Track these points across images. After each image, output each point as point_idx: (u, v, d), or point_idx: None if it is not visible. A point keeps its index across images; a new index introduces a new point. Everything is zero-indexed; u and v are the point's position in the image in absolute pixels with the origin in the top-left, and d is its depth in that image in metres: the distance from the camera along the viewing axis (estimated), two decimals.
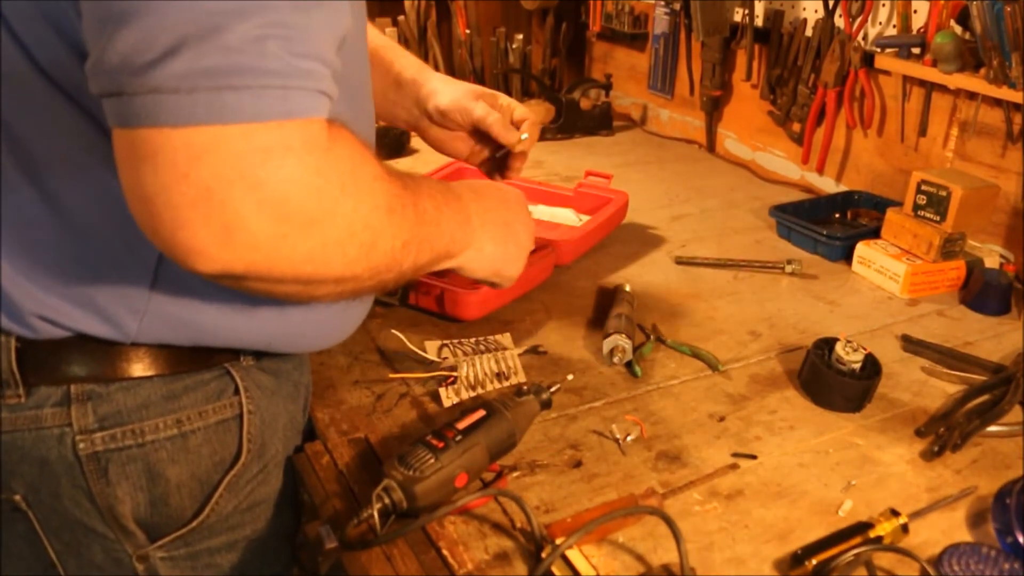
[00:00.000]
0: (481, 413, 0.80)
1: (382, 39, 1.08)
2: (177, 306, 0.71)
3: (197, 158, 0.51)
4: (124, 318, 0.70)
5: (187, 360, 0.75)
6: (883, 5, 1.43)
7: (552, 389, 0.88)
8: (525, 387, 0.86)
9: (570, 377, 0.96)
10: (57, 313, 0.68)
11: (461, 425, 0.78)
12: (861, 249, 1.28)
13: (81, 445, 0.71)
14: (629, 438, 0.88)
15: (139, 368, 0.73)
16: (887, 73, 1.44)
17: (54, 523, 0.75)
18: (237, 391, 0.78)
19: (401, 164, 1.74)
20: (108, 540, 0.76)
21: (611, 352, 1.01)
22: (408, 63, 1.07)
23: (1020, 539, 0.72)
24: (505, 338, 1.03)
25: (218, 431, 0.77)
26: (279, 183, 0.53)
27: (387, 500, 0.73)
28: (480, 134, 1.07)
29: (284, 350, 0.81)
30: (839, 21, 1.49)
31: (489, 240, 0.83)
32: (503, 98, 1.08)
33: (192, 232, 0.53)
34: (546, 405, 0.86)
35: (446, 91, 1.05)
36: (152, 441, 0.74)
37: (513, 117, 1.06)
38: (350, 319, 0.86)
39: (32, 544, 0.75)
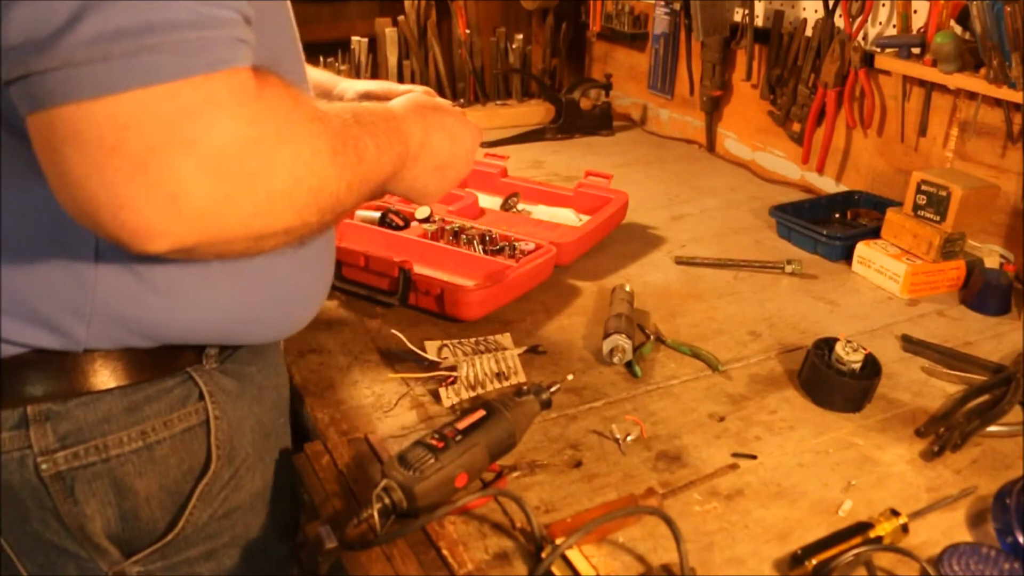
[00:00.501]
0: (481, 413, 0.80)
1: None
2: (122, 303, 0.67)
3: (124, 128, 0.48)
4: (71, 325, 0.67)
5: (147, 367, 0.72)
6: (883, 5, 1.43)
7: (552, 389, 0.88)
8: (525, 387, 0.86)
9: (570, 377, 0.96)
10: (2, 330, 0.66)
11: (461, 425, 0.78)
12: (861, 249, 1.28)
13: (44, 466, 0.69)
14: (629, 438, 0.88)
15: (97, 381, 0.70)
16: (887, 73, 1.44)
17: (26, 546, 0.73)
18: (202, 396, 0.76)
19: None
20: (82, 559, 0.74)
21: (611, 352, 1.01)
22: (314, 70, 1.08)
23: (1020, 539, 0.72)
24: (505, 338, 1.03)
25: (185, 439, 0.75)
26: (215, 140, 0.51)
27: (387, 500, 0.73)
28: None
29: (244, 340, 0.79)
30: (839, 21, 1.49)
31: (415, 178, 0.80)
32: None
33: (135, 210, 0.50)
34: (546, 405, 0.86)
35: (363, 82, 1.08)
36: (117, 456, 0.71)
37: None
38: (310, 301, 0.84)
39: (7, 568, 0.74)
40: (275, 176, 0.56)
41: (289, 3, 0.76)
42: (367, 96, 1.09)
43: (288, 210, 0.58)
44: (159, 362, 0.73)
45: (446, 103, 0.87)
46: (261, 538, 0.85)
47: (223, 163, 0.52)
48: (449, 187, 0.86)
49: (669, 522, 0.72)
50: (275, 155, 0.55)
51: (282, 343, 0.92)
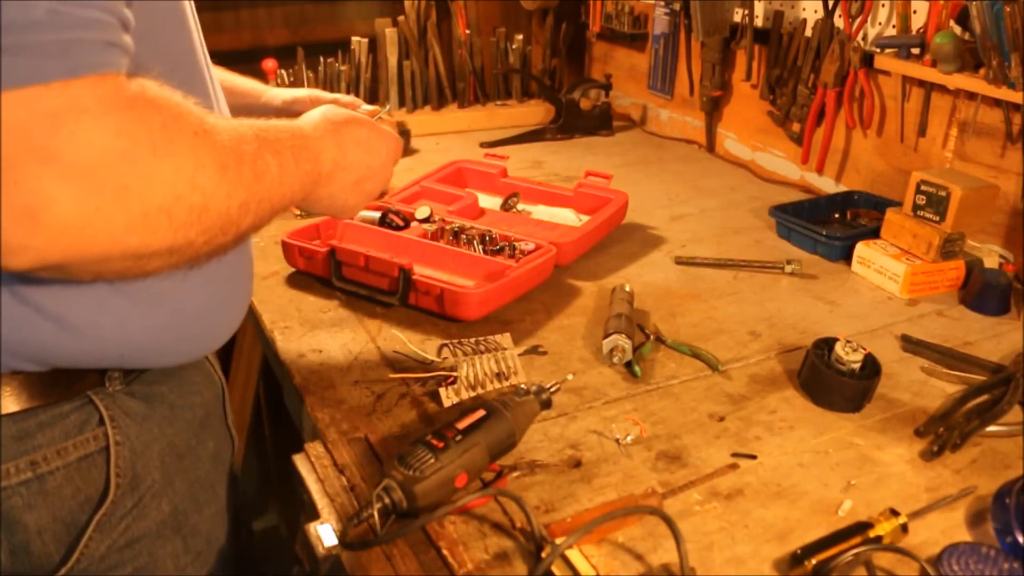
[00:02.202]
0: (481, 413, 0.80)
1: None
2: (7, 325, 0.63)
3: None
4: None
5: (40, 393, 0.68)
6: (883, 5, 1.43)
7: (552, 389, 0.88)
8: (525, 387, 0.86)
9: (570, 377, 0.96)
10: None
11: (461, 425, 0.78)
12: (861, 249, 1.28)
13: None
14: (629, 438, 0.88)
15: None
16: (887, 73, 1.44)
17: None
18: (102, 421, 0.71)
19: (401, 164, 1.73)
20: None
21: (611, 352, 1.01)
22: (237, 78, 1.08)
23: (1019, 539, 0.72)
24: (505, 338, 1.03)
25: (81, 468, 0.70)
26: (78, 151, 0.48)
27: (387, 500, 0.73)
28: None
29: (146, 365, 0.75)
30: (839, 21, 1.49)
31: (332, 196, 0.78)
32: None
33: None
34: (546, 405, 0.86)
35: (293, 90, 1.09)
36: (4, 488, 0.67)
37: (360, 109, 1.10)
38: (218, 325, 0.80)
39: None
40: (151, 190, 0.53)
41: (189, 7, 0.73)
42: (293, 104, 1.09)
43: (167, 227, 0.55)
44: (54, 386, 0.68)
45: (359, 114, 0.85)
46: (172, 567, 0.81)
47: (89, 175, 0.49)
48: (368, 199, 0.85)
49: (669, 522, 0.72)
50: (151, 168, 0.52)
51: (210, 355, 0.89)
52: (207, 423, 0.85)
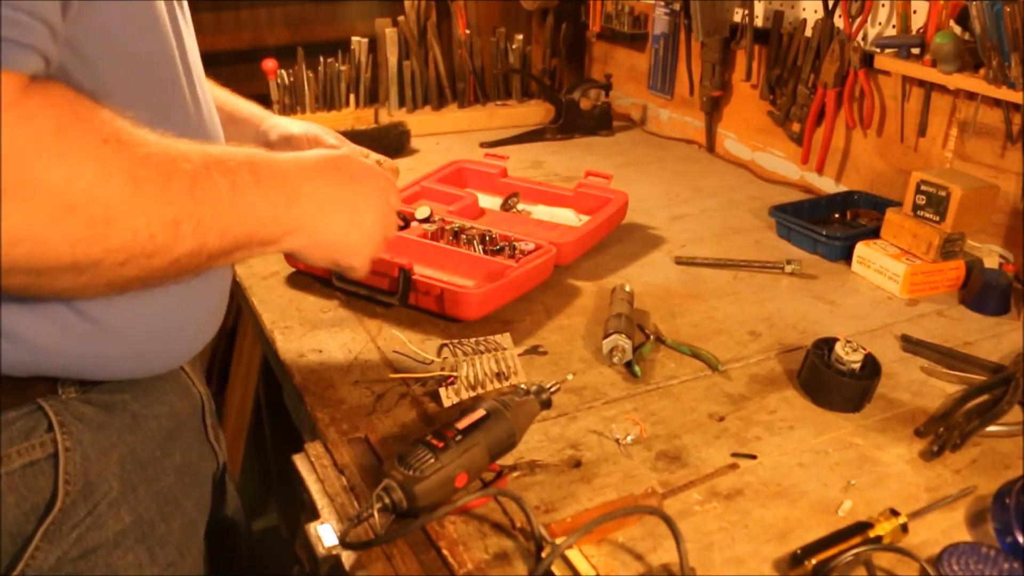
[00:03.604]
0: (481, 413, 0.80)
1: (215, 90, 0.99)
2: None
3: None
4: None
5: None
6: (883, 5, 1.43)
7: (552, 389, 0.88)
8: (525, 387, 0.86)
9: (570, 377, 0.96)
10: None
11: (461, 425, 0.78)
12: (861, 249, 1.28)
13: None
14: (629, 438, 0.88)
15: None
16: (887, 73, 1.44)
17: None
18: (51, 428, 0.68)
19: (401, 164, 1.73)
20: None
21: (611, 352, 1.01)
22: (241, 104, 1.04)
23: (1019, 539, 0.72)
24: (505, 338, 1.03)
25: (26, 476, 0.67)
26: None
27: (387, 500, 0.73)
28: None
29: (88, 378, 0.71)
30: (839, 21, 1.49)
31: (326, 224, 0.73)
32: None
33: None
34: (546, 405, 0.86)
35: (293, 123, 1.04)
36: None
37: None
38: (169, 345, 0.76)
39: None
40: (36, 198, 0.49)
41: (171, 9, 0.69)
42: (288, 140, 1.03)
43: (60, 240, 0.51)
44: (3, 392, 0.66)
45: (351, 152, 0.83)
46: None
47: None
48: (373, 242, 0.79)
49: (669, 522, 0.72)
50: (35, 174, 0.49)
51: (188, 367, 0.86)
52: (176, 435, 0.81)
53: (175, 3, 0.71)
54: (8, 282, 0.53)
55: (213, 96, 0.91)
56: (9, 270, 0.52)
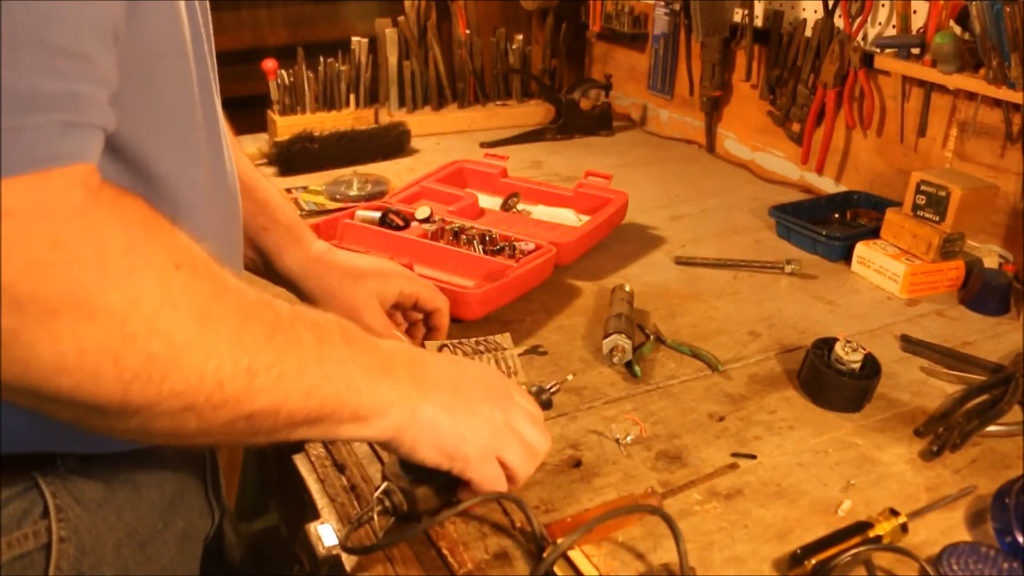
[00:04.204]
0: None
1: (254, 172, 0.91)
2: None
3: None
4: None
5: None
6: (882, 5, 1.43)
7: (552, 389, 0.88)
8: (525, 388, 0.86)
9: (570, 377, 0.96)
10: None
11: None
12: (860, 249, 1.28)
13: None
14: (629, 438, 0.88)
15: None
16: (886, 73, 1.44)
17: None
18: (46, 513, 0.60)
19: (401, 164, 1.74)
20: None
21: (611, 352, 1.01)
22: (288, 209, 0.93)
23: (1019, 539, 0.72)
24: (505, 338, 1.03)
25: (14, 568, 0.60)
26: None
27: (388, 503, 0.72)
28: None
29: (96, 451, 0.64)
30: (839, 21, 1.49)
31: (431, 404, 0.63)
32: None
33: None
34: (546, 406, 0.86)
35: (359, 257, 0.92)
36: None
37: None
38: None
39: None
40: (89, 321, 0.43)
41: (192, 58, 0.60)
42: (353, 273, 0.90)
43: (113, 375, 0.44)
44: None
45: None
46: None
47: (7, 289, 0.40)
48: (477, 422, 0.67)
49: (669, 521, 0.72)
50: (91, 293, 0.43)
51: None
52: (179, 500, 0.75)
53: (204, 46, 0.66)
54: (54, 411, 0.47)
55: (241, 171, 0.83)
56: (52, 397, 0.45)
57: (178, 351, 0.46)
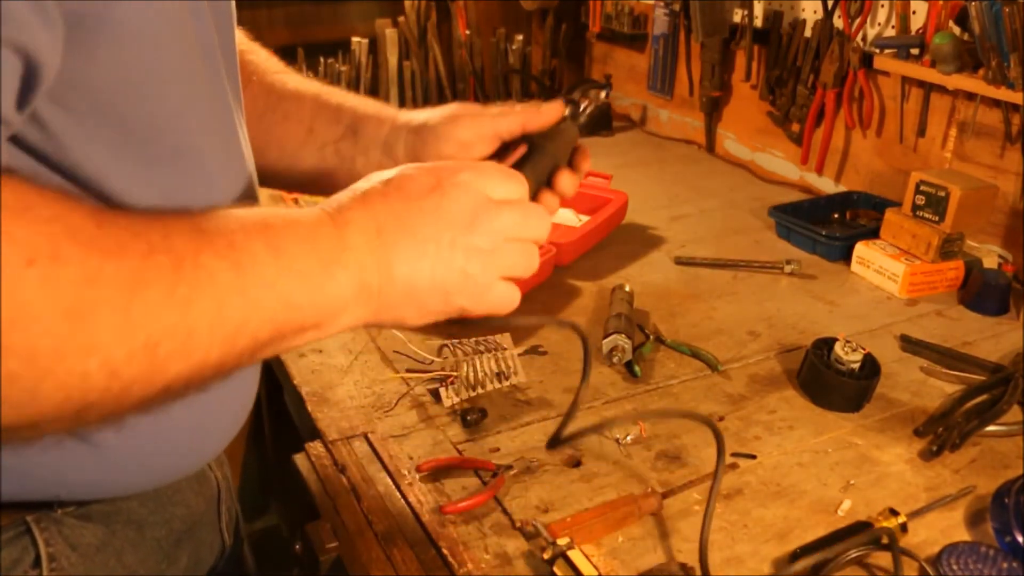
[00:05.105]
0: (523, 149, 0.71)
1: (314, 85, 0.81)
2: None
3: None
4: None
5: None
6: (882, 6, 1.43)
7: (585, 110, 0.78)
8: (569, 110, 0.77)
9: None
10: None
11: (508, 163, 0.69)
12: (860, 249, 1.28)
13: None
14: (629, 438, 0.88)
15: None
16: (886, 74, 1.44)
17: None
18: (38, 561, 0.56)
19: None
20: None
21: (611, 352, 1.01)
22: (361, 101, 0.80)
23: (1019, 538, 0.72)
24: (505, 338, 1.03)
25: None
26: None
27: None
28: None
29: (94, 497, 0.60)
30: (838, 22, 1.49)
31: (399, 274, 0.53)
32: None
33: None
34: (583, 128, 0.78)
35: (431, 112, 0.75)
36: None
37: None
38: (197, 445, 0.63)
39: None
40: None
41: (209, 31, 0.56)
42: (418, 131, 0.74)
43: None
44: None
45: (472, 163, 0.60)
46: None
47: None
48: (468, 270, 0.56)
49: (714, 429, 0.75)
50: None
51: None
52: (188, 536, 0.70)
53: (219, 52, 0.60)
54: None
55: (334, 96, 0.77)
56: None
57: (47, 362, 0.39)
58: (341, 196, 0.55)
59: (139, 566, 0.64)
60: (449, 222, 0.55)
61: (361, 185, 0.55)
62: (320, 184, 0.78)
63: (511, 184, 0.59)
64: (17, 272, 0.37)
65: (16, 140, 0.46)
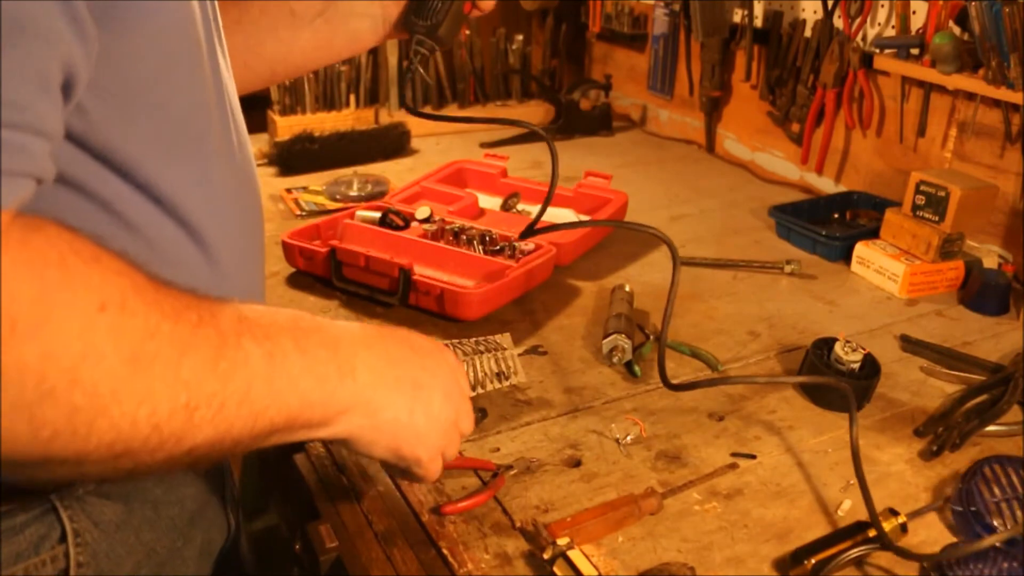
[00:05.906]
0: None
1: None
2: None
3: None
4: None
5: None
6: (882, 6, 1.43)
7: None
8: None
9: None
10: None
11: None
12: (860, 249, 1.28)
13: None
14: (629, 438, 0.88)
15: None
16: (886, 74, 1.44)
17: None
18: (64, 537, 0.58)
19: (401, 164, 1.74)
20: None
21: (611, 352, 1.01)
22: None
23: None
24: (505, 338, 1.03)
25: None
26: None
27: (423, 51, 0.92)
28: None
29: (113, 478, 0.62)
30: (838, 22, 1.49)
31: (387, 400, 0.61)
32: None
33: None
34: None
35: None
36: None
37: None
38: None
39: None
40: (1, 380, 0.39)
41: (207, 55, 0.59)
42: None
43: (29, 434, 0.41)
44: (9, 491, 0.56)
45: (435, 341, 0.72)
46: None
47: None
48: (431, 423, 0.66)
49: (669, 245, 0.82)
50: (2, 350, 0.39)
51: None
52: (199, 516, 0.73)
53: (216, 43, 0.64)
54: None
55: None
56: None
57: (106, 401, 0.42)
58: (360, 324, 0.64)
59: (157, 543, 0.67)
60: (440, 386, 0.67)
61: (372, 331, 0.64)
62: (328, 55, 0.95)
63: (471, 414, 0.72)
64: (90, 314, 0.41)
65: None
